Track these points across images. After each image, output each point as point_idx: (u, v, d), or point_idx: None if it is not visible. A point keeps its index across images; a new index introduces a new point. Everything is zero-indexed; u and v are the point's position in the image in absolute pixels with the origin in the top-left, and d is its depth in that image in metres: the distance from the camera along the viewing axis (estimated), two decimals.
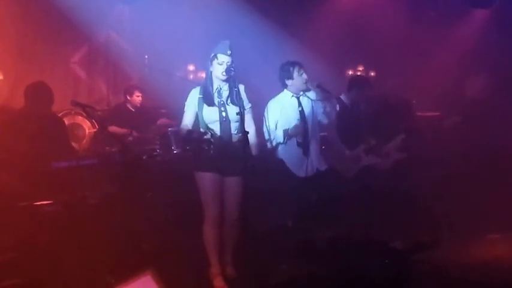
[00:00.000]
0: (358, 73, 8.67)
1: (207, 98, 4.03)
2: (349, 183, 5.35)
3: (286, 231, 4.76)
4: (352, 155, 5.40)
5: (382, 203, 5.38)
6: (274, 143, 4.69)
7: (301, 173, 4.75)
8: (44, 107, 4.91)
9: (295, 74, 4.69)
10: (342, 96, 5.53)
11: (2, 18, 6.76)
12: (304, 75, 4.70)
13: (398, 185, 5.58)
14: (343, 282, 4.09)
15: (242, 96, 4.10)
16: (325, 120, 4.83)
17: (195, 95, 4.10)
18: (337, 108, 5.10)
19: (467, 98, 6.58)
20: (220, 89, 4.05)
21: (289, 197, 4.70)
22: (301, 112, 4.73)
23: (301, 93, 4.77)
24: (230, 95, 4.03)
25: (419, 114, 7.05)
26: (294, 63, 4.73)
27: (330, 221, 5.26)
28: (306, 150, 4.75)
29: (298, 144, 4.72)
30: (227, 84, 4.04)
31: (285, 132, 4.67)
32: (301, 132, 4.68)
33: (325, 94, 4.71)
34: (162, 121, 6.68)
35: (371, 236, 4.80)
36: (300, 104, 4.75)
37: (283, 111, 4.73)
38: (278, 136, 4.70)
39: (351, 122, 5.47)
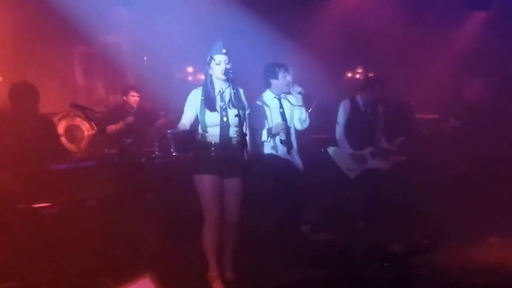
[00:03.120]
0: (358, 75, 8.73)
1: (209, 103, 4.02)
2: (348, 186, 5.34)
3: (285, 234, 4.75)
4: (357, 156, 5.41)
5: (380, 205, 5.40)
6: (259, 142, 4.69)
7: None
8: (28, 107, 4.80)
9: (280, 75, 4.75)
10: (357, 97, 5.58)
11: (0, 20, 6.76)
12: (288, 77, 4.76)
13: (396, 187, 5.58)
14: (341, 285, 4.10)
15: (242, 100, 4.10)
16: (298, 126, 4.85)
17: (196, 96, 4.08)
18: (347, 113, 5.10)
19: (466, 101, 6.59)
20: (223, 92, 4.05)
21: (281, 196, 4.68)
22: (282, 113, 4.79)
23: (283, 95, 4.81)
24: (231, 98, 4.02)
25: (418, 116, 7.06)
26: (280, 65, 4.80)
27: (328, 224, 5.28)
28: (289, 149, 4.77)
29: (282, 142, 4.73)
30: (229, 87, 4.03)
31: (269, 130, 4.68)
32: (284, 131, 4.69)
33: (304, 101, 4.76)
34: (160, 122, 6.67)
35: (369, 238, 4.80)
36: (281, 106, 4.80)
37: (267, 111, 4.75)
38: (262, 134, 4.71)
39: (362, 123, 5.50)
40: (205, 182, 4.00)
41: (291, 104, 4.81)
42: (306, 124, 4.85)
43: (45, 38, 7.09)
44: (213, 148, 4.01)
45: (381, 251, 4.23)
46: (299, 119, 4.81)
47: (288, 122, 4.79)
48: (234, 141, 4.03)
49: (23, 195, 4.38)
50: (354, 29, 8.49)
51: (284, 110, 4.79)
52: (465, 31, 8.59)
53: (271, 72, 4.79)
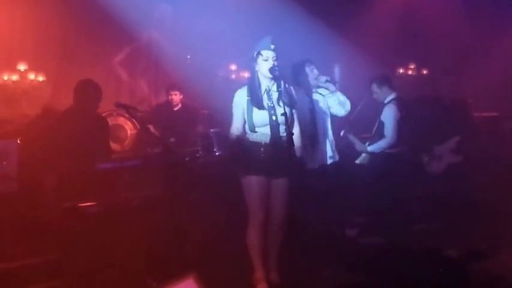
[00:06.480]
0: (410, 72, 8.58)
1: (256, 101, 3.91)
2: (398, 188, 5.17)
3: (332, 237, 4.62)
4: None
5: (436, 208, 5.21)
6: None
7: (311, 164, 4.62)
8: (92, 105, 4.86)
9: (307, 70, 4.65)
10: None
11: (45, 20, 6.87)
12: (315, 71, 4.66)
13: (453, 189, 5.40)
14: None
15: (292, 97, 3.95)
16: (341, 112, 4.73)
17: (242, 96, 3.99)
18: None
19: None
20: (269, 90, 3.94)
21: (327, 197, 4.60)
22: (312, 110, 4.62)
23: (313, 90, 4.69)
24: (279, 96, 3.87)
25: (476, 114, 6.79)
26: (305, 60, 4.72)
27: (380, 227, 5.12)
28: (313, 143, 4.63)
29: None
30: (275, 85, 3.90)
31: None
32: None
33: (335, 86, 4.67)
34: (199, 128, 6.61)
35: (424, 243, 4.61)
36: (311, 101, 4.65)
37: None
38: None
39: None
40: (254, 183, 3.91)
41: (323, 95, 4.68)
42: (348, 106, 4.71)
43: (88, 36, 7.18)
44: (262, 149, 3.91)
45: (436, 257, 4.06)
46: (339, 103, 4.67)
47: (323, 115, 4.66)
48: (283, 140, 3.90)
49: (69, 195, 4.38)
50: (410, 23, 8.31)
51: (315, 105, 4.64)
52: None
53: (297, 69, 4.68)
